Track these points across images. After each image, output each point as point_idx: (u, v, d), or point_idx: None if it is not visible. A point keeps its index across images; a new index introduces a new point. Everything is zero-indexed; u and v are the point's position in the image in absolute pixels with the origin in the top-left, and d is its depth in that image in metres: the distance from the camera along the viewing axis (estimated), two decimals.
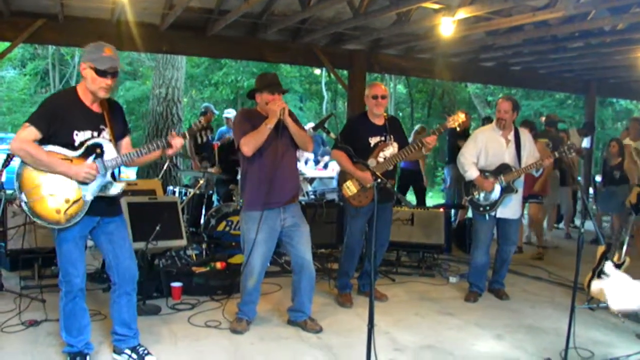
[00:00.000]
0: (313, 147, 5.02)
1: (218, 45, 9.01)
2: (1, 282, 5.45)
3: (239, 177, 5.05)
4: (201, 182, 7.55)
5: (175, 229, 5.89)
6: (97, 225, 3.91)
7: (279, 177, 4.68)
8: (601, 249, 5.58)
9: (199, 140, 4.24)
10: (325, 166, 11.78)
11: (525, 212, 8.39)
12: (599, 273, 5.48)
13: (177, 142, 3.95)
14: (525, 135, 5.91)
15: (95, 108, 3.82)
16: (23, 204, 3.68)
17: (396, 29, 8.28)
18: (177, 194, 7.60)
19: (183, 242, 6.00)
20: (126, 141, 4.06)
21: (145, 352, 4.12)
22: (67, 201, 3.69)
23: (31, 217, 3.71)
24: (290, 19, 7.92)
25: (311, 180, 11.18)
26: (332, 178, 10.83)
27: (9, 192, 5.42)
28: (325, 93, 23.90)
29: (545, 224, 9.12)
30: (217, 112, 10.83)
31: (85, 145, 3.72)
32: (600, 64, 10.77)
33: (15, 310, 5.00)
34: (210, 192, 8.04)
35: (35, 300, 5.25)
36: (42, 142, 3.64)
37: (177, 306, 5.38)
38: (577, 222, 10.80)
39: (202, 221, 7.41)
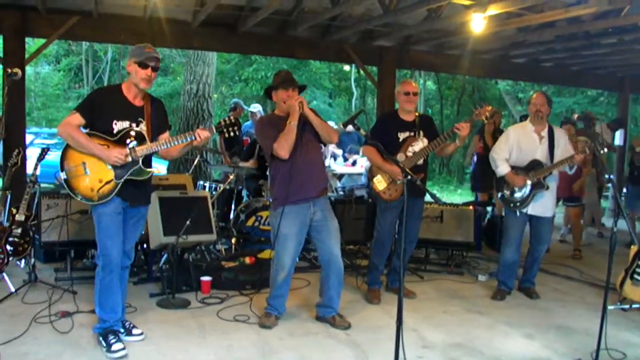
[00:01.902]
0: (337, 138, 5.03)
1: (248, 42, 9.07)
2: (35, 274, 5.55)
3: (268, 172, 5.08)
4: (231, 177, 7.61)
5: (206, 224, 5.94)
6: (123, 210, 4.23)
7: (306, 172, 4.70)
8: (634, 249, 5.50)
9: (227, 134, 4.24)
10: (354, 163, 11.77)
11: (560, 213, 8.30)
12: (631, 274, 5.41)
13: (202, 133, 4.18)
14: (560, 133, 5.84)
15: (137, 102, 4.21)
16: (63, 180, 4.12)
17: (426, 26, 8.25)
18: (207, 189, 7.65)
19: (213, 236, 6.05)
20: (165, 136, 4.32)
21: (132, 325, 4.42)
22: (100, 181, 4.08)
23: (69, 191, 4.12)
24: (320, 16, 7.94)
25: (340, 177, 11.18)
26: (360, 174, 10.82)
27: (43, 185, 5.53)
28: (354, 89, 23.86)
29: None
30: (246, 108, 10.88)
31: (122, 132, 4.11)
32: (634, 61, 10.58)
33: (48, 301, 5.09)
34: (240, 187, 8.09)
35: (68, 292, 5.35)
36: (87, 127, 4.12)
37: (206, 300, 5.43)
38: (604, 220, 10.66)
39: (231, 216, 7.46)
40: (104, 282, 4.15)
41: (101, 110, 4.09)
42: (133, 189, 4.18)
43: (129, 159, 4.09)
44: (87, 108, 4.10)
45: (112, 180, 4.08)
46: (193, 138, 4.18)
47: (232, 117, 4.34)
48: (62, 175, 4.10)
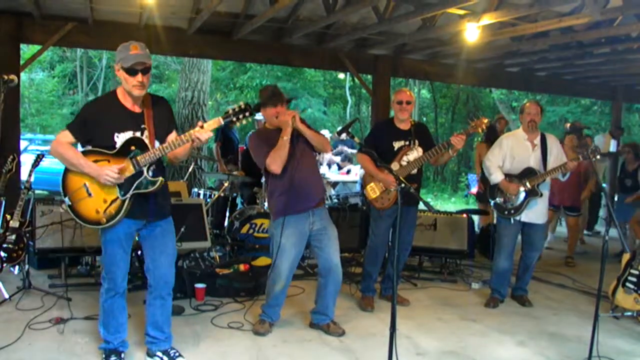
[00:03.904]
0: (330, 147, 5.05)
1: (244, 49, 9.10)
2: (29, 280, 5.55)
3: (263, 179, 5.09)
4: (226, 184, 7.62)
5: (200, 231, 5.95)
6: (144, 227, 3.98)
7: (302, 183, 4.71)
8: (626, 256, 5.53)
9: (238, 122, 3.84)
10: (348, 172, 11.81)
11: (551, 220, 8.33)
12: (624, 281, 5.44)
13: (201, 135, 3.73)
14: (553, 141, 5.87)
15: (137, 108, 3.86)
16: (67, 207, 3.82)
17: (421, 34, 8.29)
18: (201, 196, 7.67)
19: (207, 243, 6.05)
20: (171, 137, 3.94)
21: (177, 354, 4.17)
22: (105, 201, 3.77)
23: (76, 219, 3.84)
24: (315, 24, 7.97)
25: (334, 184, 11.21)
26: (355, 182, 10.86)
27: (37, 192, 5.52)
28: (349, 97, 23.90)
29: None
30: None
31: (121, 144, 3.76)
32: (627, 70, 10.67)
33: (43, 308, 5.11)
34: (235, 194, 8.10)
35: (62, 299, 5.35)
36: (86, 145, 3.81)
37: (201, 307, 5.43)
38: (597, 228, 10.71)
39: (226, 223, 7.46)
40: (107, 305, 3.97)
41: (97, 125, 3.76)
42: (145, 203, 3.87)
43: (128, 172, 3.75)
44: (78, 125, 3.78)
45: (117, 198, 3.76)
46: (191, 140, 3.76)
47: (242, 104, 3.86)
48: (66, 201, 3.81)
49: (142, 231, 4.01)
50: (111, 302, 3.96)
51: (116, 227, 3.82)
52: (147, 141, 3.80)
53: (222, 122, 3.80)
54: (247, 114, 3.80)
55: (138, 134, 3.81)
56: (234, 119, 3.78)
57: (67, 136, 3.76)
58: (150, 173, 3.84)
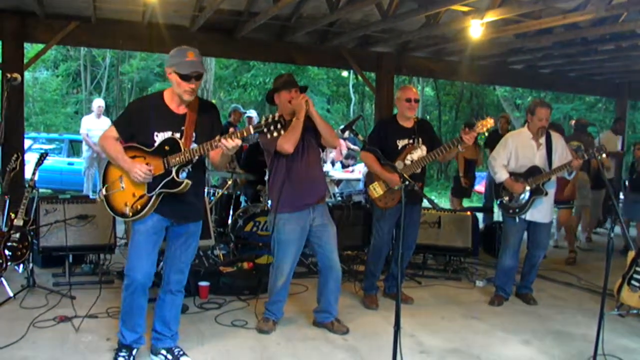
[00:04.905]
0: (339, 142, 5.00)
1: (247, 47, 9.10)
2: (33, 279, 5.56)
3: (266, 177, 5.07)
4: (229, 182, 7.61)
5: (204, 229, 5.93)
6: (173, 226, 4.03)
7: (306, 178, 4.70)
8: (631, 254, 5.51)
9: (269, 135, 3.70)
10: (352, 168, 11.79)
11: (555, 216, 8.31)
12: (629, 279, 5.42)
13: (227, 143, 3.64)
14: (558, 139, 5.84)
15: (181, 110, 3.90)
16: (103, 196, 3.97)
17: (425, 32, 8.28)
18: (205, 194, 7.65)
19: (211, 241, 6.04)
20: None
21: (181, 353, 4.17)
22: (133, 195, 3.85)
23: (108, 208, 3.97)
24: (318, 22, 7.96)
25: (338, 182, 11.20)
26: (358, 180, 10.84)
27: (41, 190, 5.53)
28: (352, 95, 23.90)
29: (579, 227, 9.06)
30: (246, 112, 10.96)
31: (158, 143, 3.83)
32: (632, 67, 10.63)
33: (47, 306, 5.12)
34: (238, 192, 8.10)
35: (66, 297, 5.35)
36: (128, 140, 3.91)
37: (204, 305, 5.43)
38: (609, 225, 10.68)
39: (229, 221, 7.45)
40: (127, 302, 3.96)
41: (139, 123, 3.86)
42: (176, 203, 3.90)
43: (158, 171, 3.78)
44: (124, 121, 3.97)
45: (144, 194, 3.82)
46: (214, 147, 3.70)
47: (275, 115, 3.64)
48: (103, 191, 3.96)
49: (168, 231, 4.06)
50: (130, 299, 3.95)
51: (146, 219, 3.88)
52: (181, 143, 3.81)
53: (252, 132, 3.78)
54: (279, 125, 3.62)
55: (177, 135, 3.85)
56: (266, 129, 3.63)
57: (112, 131, 3.92)
58: (183, 174, 3.87)
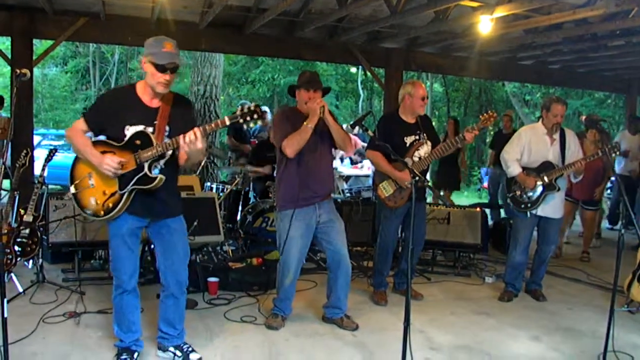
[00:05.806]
0: (353, 150, 4.96)
1: (256, 43, 9.10)
2: (43, 274, 5.58)
3: (275, 173, 5.07)
4: (238, 178, 7.62)
5: (213, 225, 5.95)
6: (149, 226, 3.92)
7: (315, 176, 4.69)
8: None
9: (245, 125, 3.58)
10: (361, 165, 11.78)
11: (570, 213, 8.27)
12: (639, 276, 5.38)
13: (189, 136, 3.52)
14: (571, 136, 5.82)
15: (154, 104, 3.75)
16: (72, 195, 3.83)
17: (433, 27, 8.25)
18: (214, 190, 7.67)
19: (220, 237, 6.04)
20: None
21: (190, 349, 4.13)
22: (104, 193, 3.72)
23: (77, 207, 3.85)
24: (327, 18, 7.95)
25: (347, 178, 11.19)
26: (367, 176, 10.83)
27: (51, 186, 5.54)
28: (361, 91, 23.86)
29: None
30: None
31: (127, 137, 3.68)
32: None
33: (56, 301, 5.14)
34: (247, 188, 8.11)
35: (75, 293, 5.38)
36: (98, 135, 3.77)
37: (214, 301, 5.44)
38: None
39: (238, 217, 7.46)
40: (116, 302, 3.92)
41: (110, 116, 3.70)
42: (150, 200, 3.76)
43: (129, 167, 3.64)
44: (94, 113, 3.79)
45: (116, 192, 3.68)
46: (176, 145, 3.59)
47: (251, 105, 3.54)
48: (72, 189, 3.80)
49: (149, 229, 3.95)
50: (119, 299, 3.91)
51: (119, 222, 3.76)
52: (152, 137, 3.66)
53: (228, 122, 3.54)
54: (255, 116, 3.50)
55: (150, 129, 3.69)
56: (240, 119, 3.53)
57: (81, 123, 3.76)
58: (156, 170, 3.75)
